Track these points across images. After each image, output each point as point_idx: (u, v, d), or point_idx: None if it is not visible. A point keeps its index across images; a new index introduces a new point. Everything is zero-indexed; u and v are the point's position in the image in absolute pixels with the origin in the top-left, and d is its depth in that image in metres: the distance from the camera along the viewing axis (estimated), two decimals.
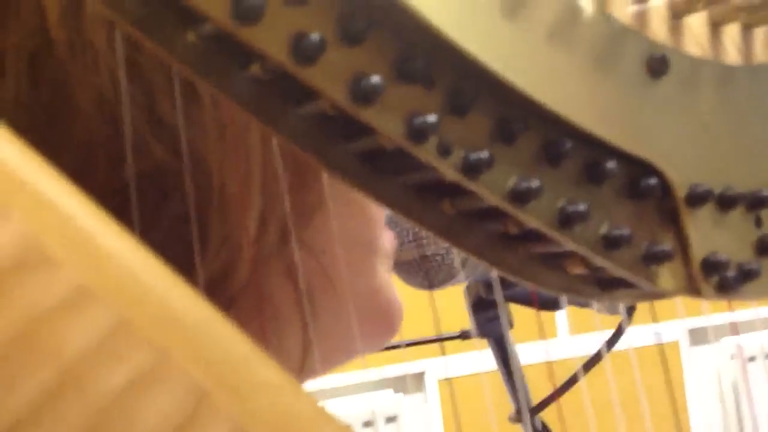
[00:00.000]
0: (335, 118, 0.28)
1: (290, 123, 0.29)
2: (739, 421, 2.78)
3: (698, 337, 2.92)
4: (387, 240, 0.43)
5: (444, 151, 0.28)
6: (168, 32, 0.25)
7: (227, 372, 0.21)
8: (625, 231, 0.30)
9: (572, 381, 0.79)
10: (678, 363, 2.91)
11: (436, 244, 0.60)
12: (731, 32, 0.33)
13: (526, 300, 0.72)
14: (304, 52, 0.26)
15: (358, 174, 0.30)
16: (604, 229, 0.30)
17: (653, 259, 0.31)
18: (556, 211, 0.29)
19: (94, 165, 0.32)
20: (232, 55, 0.27)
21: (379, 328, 0.43)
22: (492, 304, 0.74)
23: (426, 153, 0.27)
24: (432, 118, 0.27)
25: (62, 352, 0.19)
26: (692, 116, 0.31)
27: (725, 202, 0.31)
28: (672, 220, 0.31)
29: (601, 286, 0.35)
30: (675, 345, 2.92)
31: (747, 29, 0.33)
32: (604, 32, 0.29)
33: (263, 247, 0.35)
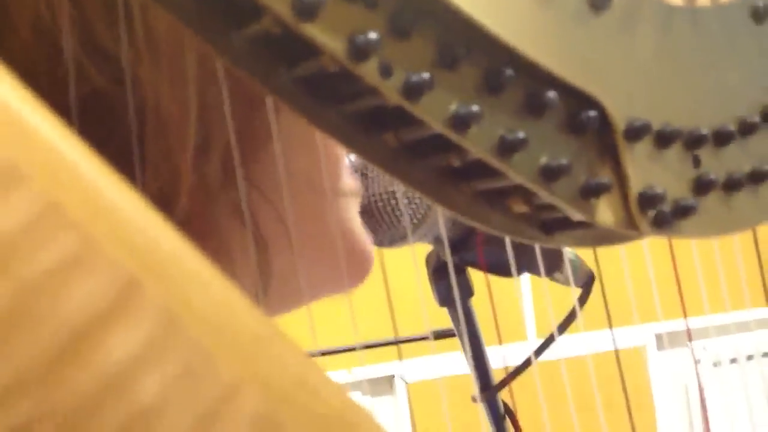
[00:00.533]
0: (279, 40, 0.29)
1: (234, 45, 0.29)
2: (706, 425, 2.80)
3: (665, 341, 2.94)
4: (352, 181, 0.43)
5: (385, 71, 0.28)
6: None
7: (157, 261, 0.21)
8: (564, 161, 0.30)
9: (526, 364, 0.78)
10: (645, 367, 2.93)
11: (385, 204, 0.59)
12: None
13: (486, 265, 0.71)
14: None
15: (300, 101, 0.30)
16: (543, 160, 0.30)
17: (591, 191, 0.31)
18: (497, 139, 0.30)
19: (36, 88, 0.32)
20: None
21: (349, 269, 0.42)
22: (454, 270, 0.72)
23: (367, 72, 0.28)
24: (373, 36, 0.27)
25: None
26: (632, 52, 0.31)
27: (663, 139, 0.32)
28: (610, 154, 0.32)
29: (543, 229, 0.35)
30: (642, 349, 2.94)
31: None
32: None
33: (206, 178, 0.35)
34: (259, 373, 0.22)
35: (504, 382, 0.80)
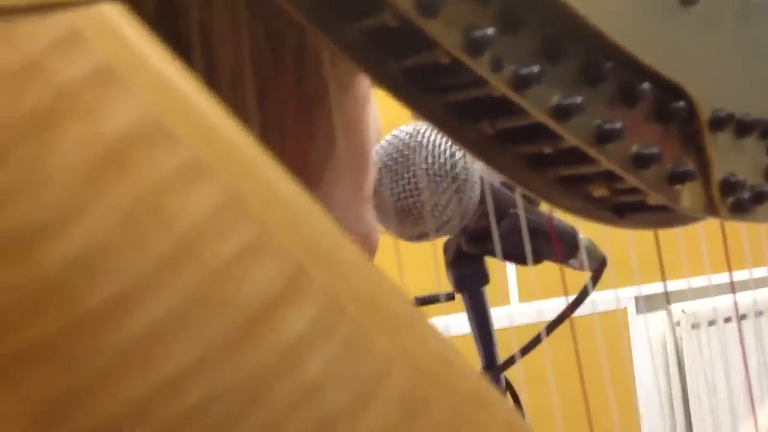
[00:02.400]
0: (392, 33, 0.30)
1: (348, 36, 0.30)
2: (683, 385, 2.86)
3: (644, 304, 2.99)
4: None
5: (496, 65, 0.29)
6: None
7: (321, 248, 0.23)
8: (655, 150, 0.32)
9: (536, 341, 0.81)
10: (626, 329, 2.98)
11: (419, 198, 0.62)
12: None
13: (503, 254, 0.74)
14: None
15: (406, 90, 0.32)
16: (635, 148, 0.32)
17: (677, 178, 0.33)
18: (593, 129, 0.31)
19: None
20: None
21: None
22: (470, 259, 0.75)
23: (480, 66, 0.29)
24: (490, 31, 0.28)
25: (179, 221, 0.21)
26: (717, 45, 0.33)
27: (743, 128, 0.34)
28: (694, 142, 0.33)
29: (616, 212, 0.37)
30: (623, 312, 2.98)
31: None
32: None
33: None
34: (407, 350, 0.24)
35: (508, 363, 0.82)
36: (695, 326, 2.85)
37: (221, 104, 0.22)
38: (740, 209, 0.34)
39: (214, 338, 0.21)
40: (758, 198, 0.34)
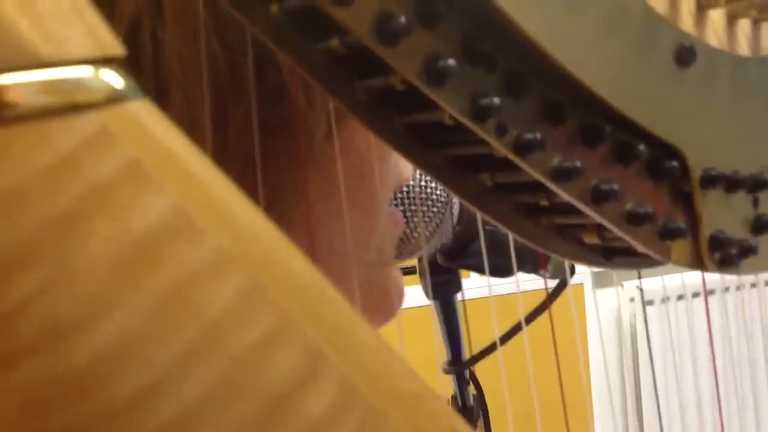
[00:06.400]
0: (398, 93, 0.30)
1: (355, 95, 0.30)
2: (635, 361, 2.92)
3: (602, 280, 3.04)
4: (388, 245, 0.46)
5: (501, 130, 0.30)
6: None
7: (337, 333, 0.23)
8: (648, 209, 0.33)
9: (514, 330, 0.82)
10: (582, 304, 3.03)
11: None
12: (744, 26, 0.36)
13: (479, 268, 0.76)
14: (387, 32, 0.27)
15: (408, 144, 0.32)
16: (629, 206, 0.33)
17: (668, 234, 0.34)
18: (590, 189, 0.32)
19: None
20: (309, 29, 0.29)
21: (379, 313, 0.47)
22: (444, 270, 0.77)
23: (485, 131, 0.30)
24: (497, 100, 0.29)
25: (205, 310, 0.21)
26: (710, 104, 0.34)
27: (731, 185, 0.34)
28: (684, 199, 0.34)
29: (605, 255, 0.38)
30: (580, 287, 3.02)
31: (756, 24, 0.36)
32: (643, 21, 0.32)
33: None
34: (419, 426, 0.25)
35: (472, 360, 0.84)
36: (649, 303, 2.90)
37: (243, 195, 0.22)
38: (727, 264, 0.35)
39: (241, 422, 0.22)
40: (744, 252, 0.35)
